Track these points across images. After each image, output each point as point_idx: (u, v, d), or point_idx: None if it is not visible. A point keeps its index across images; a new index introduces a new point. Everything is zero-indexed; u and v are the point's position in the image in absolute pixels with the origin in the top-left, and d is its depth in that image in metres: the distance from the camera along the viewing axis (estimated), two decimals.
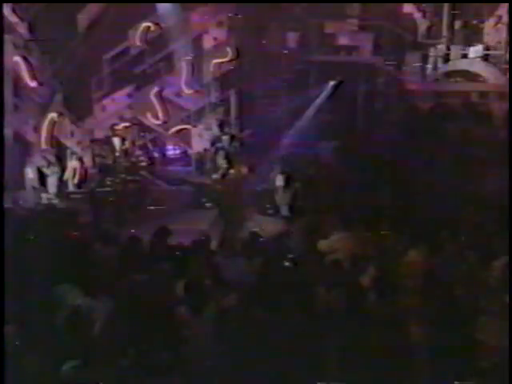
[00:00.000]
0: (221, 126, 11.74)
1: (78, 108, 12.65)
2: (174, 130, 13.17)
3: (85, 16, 13.32)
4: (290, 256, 8.08)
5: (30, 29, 11.00)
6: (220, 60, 12.55)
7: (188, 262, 7.32)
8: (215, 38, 12.55)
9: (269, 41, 16.13)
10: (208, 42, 12.63)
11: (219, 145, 11.54)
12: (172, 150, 14.66)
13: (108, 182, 10.80)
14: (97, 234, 8.26)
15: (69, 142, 12.40)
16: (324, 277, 7.00)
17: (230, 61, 12.46)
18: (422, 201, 9.89)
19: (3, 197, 9.77)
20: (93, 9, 12.88)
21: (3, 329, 5.11)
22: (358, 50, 16.52)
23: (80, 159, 11.78)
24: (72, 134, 12.49)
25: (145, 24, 12.61)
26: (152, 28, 12.61)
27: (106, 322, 5.93)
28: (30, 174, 11.29)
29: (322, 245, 8.33)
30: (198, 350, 6.01)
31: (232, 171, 11.08)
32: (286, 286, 6.70)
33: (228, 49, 12.40)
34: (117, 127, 12.66)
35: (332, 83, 16.68)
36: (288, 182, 11.89)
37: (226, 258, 7.56)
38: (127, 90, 12.95)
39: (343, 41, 16.47)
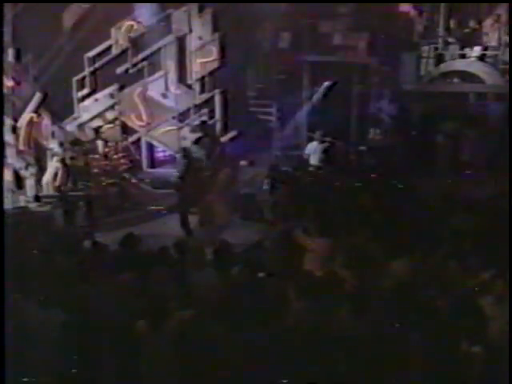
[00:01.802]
0: (202, 127, 11.33)
1: (59, 108, 12.31)
2: (158, 131, 12.80)
3: (69, 14, 13.05)
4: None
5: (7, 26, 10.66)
6: (205, 60, 12.16)
7: (151, 272, 6.94)
8: (200, 38, 12.16)
9: (260, 40, 15.86)
10: (193, 41, 12.22)
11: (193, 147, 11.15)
12: (162, 152, 14.33)
13: (81, 186, 10.41)
14: (61, 241, 7.90)
15: (50, 144, 12.04)
16: (299, 290, 6.61)
17: (215, 60, 12.06)
18: (409, 207, 9.46)
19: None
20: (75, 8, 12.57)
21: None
22: (353, 49, 16.21)
23: (62, 161, 11.43)
24: (53, 135, 12.14)
25: (128, 22, 12.26)
26: (135, 27, 12.25)
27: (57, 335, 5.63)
28: (7, 175, 10.95)
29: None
30: (154, 368, 5.68)
31: (209, 174, 10.68)
32: (254, 300, 6.33)
33: (213, 48, 12.01)
34: (101, 129, 12.34)
35: (326, 84, 16.42)
36: (274, 185, 11.53)
37: (193, 269, 7.17)
38: (110, 90, 12.59)
39: (337, 40, 16.11)
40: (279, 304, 6.33)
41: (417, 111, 16.13)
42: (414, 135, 15.59)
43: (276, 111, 16.52)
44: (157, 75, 12.83)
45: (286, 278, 7.13)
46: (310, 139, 14.92)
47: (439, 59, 15.80)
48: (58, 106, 12.28)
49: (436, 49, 15.71)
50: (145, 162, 13.83)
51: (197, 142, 11.22)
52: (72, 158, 10.40)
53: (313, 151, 13.96)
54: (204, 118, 12.30)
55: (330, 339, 5.55)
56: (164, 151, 14.09)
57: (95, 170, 11.30)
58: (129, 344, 5.69)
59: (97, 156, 11.54)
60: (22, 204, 10.56)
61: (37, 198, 10.46)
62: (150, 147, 13.82)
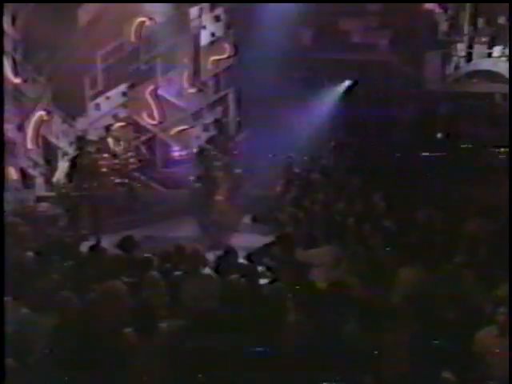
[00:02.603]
0: (216, 126, 10.98)
1: (70, 106, 12.09)
2: (174, 130, 12.51)
3: (84, 11, 12.83)
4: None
5: (13, 22, 10.44)
6: (218, 57, 11.84)
7: (146, 278, 6.63)
8: (213, 34, 11.84)
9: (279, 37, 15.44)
10: (205, 38, 11.91)
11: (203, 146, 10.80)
12: (177, 151, 14.05)
13: (86, 185, 10.14)
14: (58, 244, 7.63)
15: (61, 143, 11.83)
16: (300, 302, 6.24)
17: (229, 57, 11.73)
18: (425, 213, 8.99)
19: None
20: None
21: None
22: (375, 48, 15.75)
23: (70, 160, 11.20)
24: (64, 134, 11.94)
25: (139, 19, 12.00)
26: (147, 23, 11.98)
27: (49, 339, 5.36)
28: (14, 174, 10.76)
29: (302, 256, 7.57)
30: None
31: (222, 175, 10.35)
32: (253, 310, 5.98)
33: (226, 45, 11.68)
34: (112, 127, 12.09)
35: (346, 83, 16.02)
36: (287, 187, 11.17)
37: (190, 275, 6.83)
38: (122, 87, 12.34)
39: (359, 38, 15.67)
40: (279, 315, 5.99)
41: (441, 112, 15.65)
42: (438, 137, 15.11)
43: (295, 110, 16.14)
44: (171, 73, 12.57)
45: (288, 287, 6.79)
46: (330, 140, 14.59)
47: (465, 58, 15.28)
48: (69, 105, 12.05)
49: (462, 47, 15.19)
50: (159, 161, 13.58)
51: (210, 140, 10.88)
52: (78, 157, 10.07)
53: (329, 152, 13.64)
54: (217, 116, 11.97)
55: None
56: (180, 150, 13.80)
57: (104, 169, 11.05)
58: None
59: (106, 155, 11.28)
60: (30, 203, 10.33)
61: (39, 199, 10.24)
62: (164, 146, 13.56)
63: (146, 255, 7.06)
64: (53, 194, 10.49)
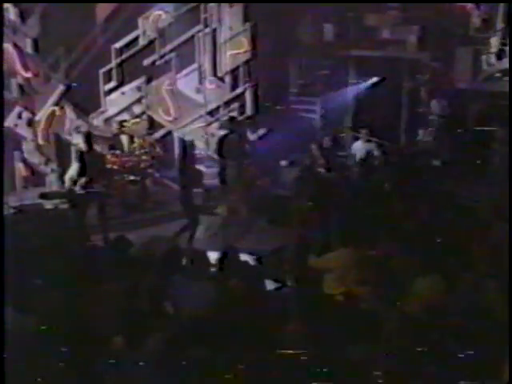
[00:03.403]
0: (231, 124, 10.53)
1: (84, 101, 11.81)
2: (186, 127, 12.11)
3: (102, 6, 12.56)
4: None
5: (22, 15, 10.17)
6: (235, 51, 11.38)
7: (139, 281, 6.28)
8: (231, 28, 11.38)
9: (301, 32, 15.05)
10: (223, 32, 11.46)
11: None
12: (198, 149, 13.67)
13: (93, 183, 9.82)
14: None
15: (74, 139, 11.53)
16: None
17: (246, 52, 11.26)
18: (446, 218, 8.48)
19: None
20: None
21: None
22: (402, 44, 15.17)
23: (79, 156, 10.91)
24: (78, 130, 11.65)
25: (156, 12, 11.61)
26: (163, 16, 11.59)
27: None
28: (23, 171, 10.49)
29: (314, 262, 7.19)
30: None
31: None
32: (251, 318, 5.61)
33: (244, 39, 11.21)
34: (125, 123, 11.76)
35: (372, 80, 15.55)
36: (304, 187, 10.73)
37: (189, 279, 6.46)
38: (137, 82, 11.99)
39: (385, 34, 15.13)
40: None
41: (471, 112, 15.04)
42: (468, 138, 14.51)
43: (319, 108, 15.75)
44: (191, 68, 12.15)
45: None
46: (355, 138, 14.18)
47: (498, 55, 14.60)
48: (84, 100, 11.78)
49: (494, 44, 14.50)
50: (177, 159, 13.20)
51: (223, 139, 10.46)
52: (87, 152, 9.70)
53: (358, 151, 13.19)
54: (233, 113, 11.52)
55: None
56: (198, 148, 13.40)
57: (115, 167, 10.74)
58: None
59: (118, 151, 10.98)
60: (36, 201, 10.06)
61: (43, 196, 9.96)
62: (183, 143, 13.17)
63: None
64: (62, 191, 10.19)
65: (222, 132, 10.73)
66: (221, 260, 7.06)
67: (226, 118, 11.49)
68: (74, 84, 11.36)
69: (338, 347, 5.44)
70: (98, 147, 11.36)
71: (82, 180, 9.89)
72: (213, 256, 7.43)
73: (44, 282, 6.23)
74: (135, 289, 6.13)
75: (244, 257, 7.58)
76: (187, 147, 13.06)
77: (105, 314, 5.68)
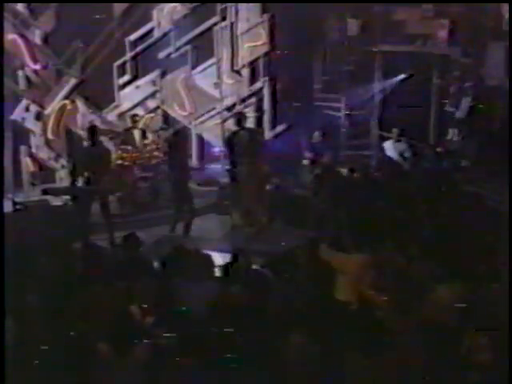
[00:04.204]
0: (240, 119, 10.05)
1: (97, 95, 11.47)
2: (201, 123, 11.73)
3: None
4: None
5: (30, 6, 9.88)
6: (253, 43, 10.93)
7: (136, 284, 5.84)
8: (248, 19, 10.94)
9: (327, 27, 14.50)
10: (241, 24, 11.01)
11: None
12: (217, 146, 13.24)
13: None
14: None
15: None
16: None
17: (264, 44, 10.81)
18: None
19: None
20: None
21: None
22: (431, 39, 14.54)
23: None
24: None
25: (171, 4, 11.22)
26: (178, 7, 11.19)
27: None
28: (31, 166, 10.17)
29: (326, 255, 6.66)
30: None
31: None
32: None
33: (261, 31, 10.76)
34: (137, 118, 11.40)
35: (400, 77, 14.94)
36: (321, 187, 10.18)
37: (190, 282, 5.99)
38: (151, 76, 11.63)
39: (413, 28, 14.49)
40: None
41: (503, 110, 14.32)
42: (498, 138, 13.78)
43: (344, 106, 15.16)
44: (204, 61, 11.75)
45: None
46: (382, 138, 13.59)
47: None
48: (96, 93, 11.44)
49: None
50: (194, 156, 12.80)
51: (233, 135, 10.00)
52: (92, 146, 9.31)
53: (388, 151, 12.60)
54: (244, 109, 11.07)
55: None
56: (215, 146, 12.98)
57: (126, 163, 10.37)
58: None
59: (129, 147, 10.61)
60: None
61: (45, 192, 9.62)
62: (201, 140, 12.76)
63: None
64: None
65: (236, 127, 10.24)
66: (227, 264, 6.57)
67: (243, 113, 11.05)
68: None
69: (350, 361, 4.98)
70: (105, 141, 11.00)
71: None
72: (219, 259, 6.98)
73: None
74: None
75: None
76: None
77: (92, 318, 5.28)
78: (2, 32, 9.43)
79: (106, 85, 11.72)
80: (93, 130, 9.13)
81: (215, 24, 11.20)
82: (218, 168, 12.32)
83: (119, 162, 10.33)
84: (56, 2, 10.36)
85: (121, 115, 11.83)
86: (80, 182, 8.68)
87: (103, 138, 10.66)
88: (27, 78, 9.97)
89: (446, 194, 9.73)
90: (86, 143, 9.51)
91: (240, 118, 9.99)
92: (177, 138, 10.12)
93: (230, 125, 11.14)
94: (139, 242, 6.82)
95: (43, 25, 10.61)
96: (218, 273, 6.52)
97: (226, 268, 6.47)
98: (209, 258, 6.65)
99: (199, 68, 11.65)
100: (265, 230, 9.62)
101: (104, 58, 12.48)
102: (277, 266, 7.23)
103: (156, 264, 6.34)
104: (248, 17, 10.91)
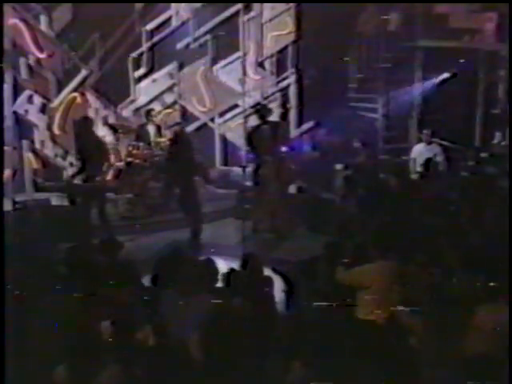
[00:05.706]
0: (262, 113, 9.12)
1: (111, 89, 10.71)
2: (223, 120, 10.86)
3: None
4: None
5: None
6: (278, 32, 10.02)
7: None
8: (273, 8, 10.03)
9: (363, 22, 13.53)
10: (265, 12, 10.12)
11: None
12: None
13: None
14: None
15: (100, 130, 10.40)
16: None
17: (290, 33, 9.89)
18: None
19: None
20: None
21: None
22: (478, 34, 13.46)
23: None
24: (105, 121, 10.56)
25: None
26: None
27: None
28: (34, 163, 9.42)
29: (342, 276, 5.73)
30: None
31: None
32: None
33: (287, 19, 9.84)
34: (153, 113, 10.60)
35: (444, 75, 13.91)
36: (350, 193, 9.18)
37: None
38: (169, 68, 10.81)
39: (458, 23, 13.45)
40: None
41: None
42: None
43: (381, 106, 14.16)
44: (235, 56, 10.90)
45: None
46: (419, 140, 12.55)
47: None
48: (110, 87, 10.68)
49: None
50: (218, 157, 11.93)
51: (253, 131, 9.09)
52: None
53: (418, 154, 11.47)
54: (275, 105, 10.16)
55: None
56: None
57: (136, 161, 9.57)
58: None
59: (141, 144, 9.82)
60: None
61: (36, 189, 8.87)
62: (224, 142, 11.89)
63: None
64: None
65: (259, 121, 9.32)
66: (229, 273, 5.71)
67: (266, 106, 10.12)
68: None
69: None
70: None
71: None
72: (224, 266, 6.09)
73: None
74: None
75: (267, 271, 6.23)
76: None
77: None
78: (2, 32, 8.74)
79: (121, 78, 10.96)
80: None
81: (237, 13, 10.32)
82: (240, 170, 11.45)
83: (129, 159, 9.52)
84: (55, 2, 9.66)
85: (137, 111, 11.04)
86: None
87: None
88: (29, 67, 9.20)
89: (489, 200, 8.71)
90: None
91: (263, 112, 9.06)
92: (183, 133, 9.25)
93: (254, 122, 10.24)
94: (119, 247, 6.04)
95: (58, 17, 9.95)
96: (219, 283, 5.67)
97: (227, 277, 5.64)
98: (210, 267, 5.74)
99: (222, 61, 10.81)
100: (287, 236, 8.69)
101: (124, 52, 11.74)
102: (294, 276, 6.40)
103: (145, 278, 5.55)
104: (273, 5, 10.01)
